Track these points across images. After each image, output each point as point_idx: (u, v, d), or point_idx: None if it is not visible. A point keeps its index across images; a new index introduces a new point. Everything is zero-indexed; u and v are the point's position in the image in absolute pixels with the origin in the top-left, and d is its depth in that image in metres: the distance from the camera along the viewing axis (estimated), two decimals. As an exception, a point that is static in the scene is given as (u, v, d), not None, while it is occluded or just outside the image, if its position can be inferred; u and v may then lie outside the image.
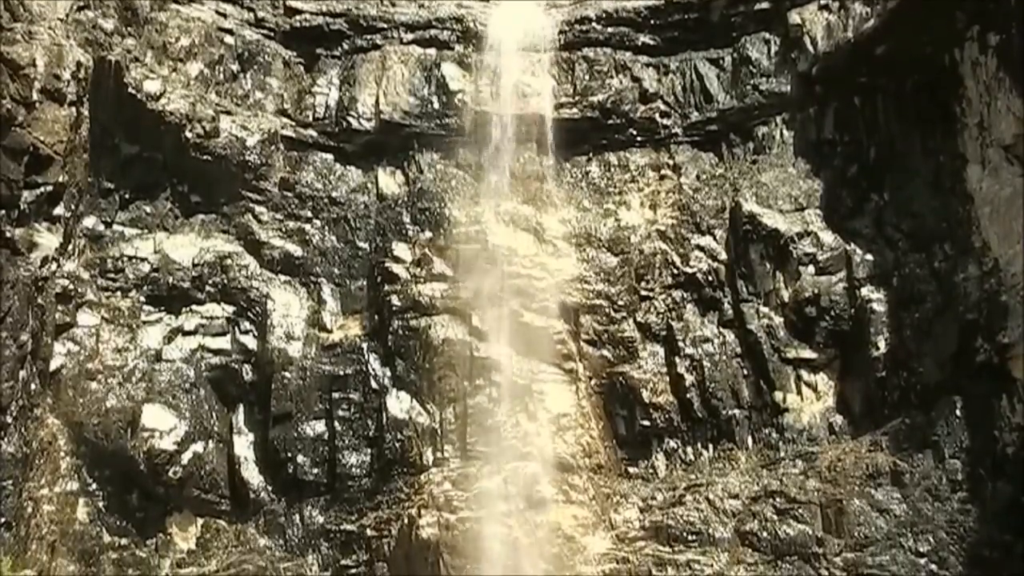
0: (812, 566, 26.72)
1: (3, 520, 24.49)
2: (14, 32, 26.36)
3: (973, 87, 27.17)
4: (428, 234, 30.65)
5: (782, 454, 28.31)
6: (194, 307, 29.49)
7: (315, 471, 29.15)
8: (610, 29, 32.02)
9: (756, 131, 30.88)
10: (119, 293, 28.66)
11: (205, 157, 29.80)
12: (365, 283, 30.61)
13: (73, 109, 27.06)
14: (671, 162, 31.35)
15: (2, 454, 24.70)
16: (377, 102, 31.46)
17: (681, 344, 29.46)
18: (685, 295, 29.90)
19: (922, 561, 26.08)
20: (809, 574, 26.66)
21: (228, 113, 30.32)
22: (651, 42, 31.90)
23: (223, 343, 29.62)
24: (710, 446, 28.99)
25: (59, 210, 26.89)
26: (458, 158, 31.46)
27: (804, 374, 28.80)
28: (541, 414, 29.22)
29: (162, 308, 29.17)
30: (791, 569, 26.84)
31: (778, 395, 28.74)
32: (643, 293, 30.03)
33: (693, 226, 30.31)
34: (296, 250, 30.54)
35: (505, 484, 28.22)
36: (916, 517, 26.35)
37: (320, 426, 29.39)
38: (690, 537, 27.63)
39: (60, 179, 26.70)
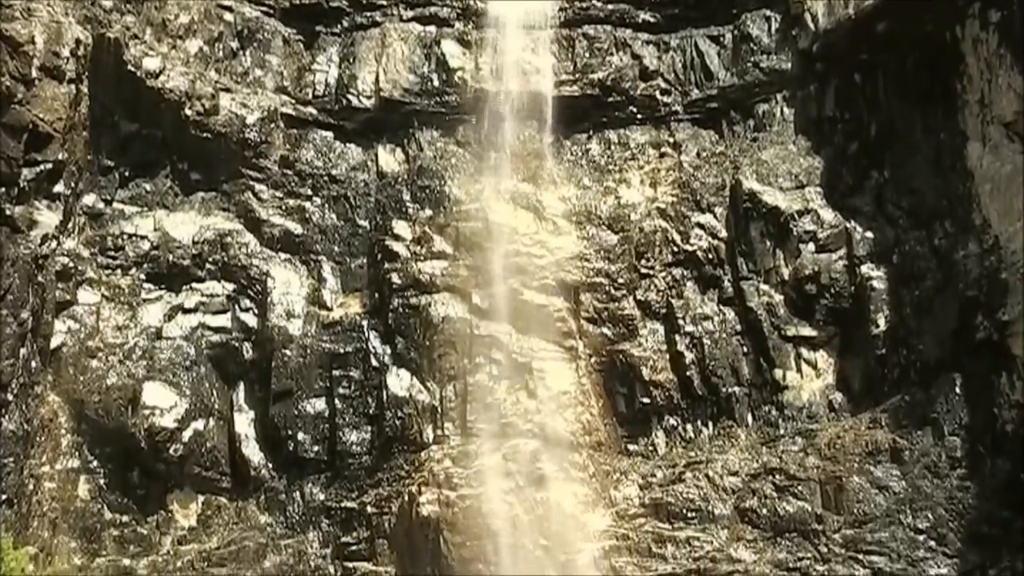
0: (811, 543, 26.82)
1: (4, 497, 24.56)
2: (13, 9, 26.30)
3: (974, 64, 27.12)
4: (428, 212, 30.64)
5: (782, 431, 28.39)
6: (194, 285, 29.52)
7: (315, 448, 29.22)
8: (610, 6, 31.93)
9: (756, 109, 30.86)
10: (119, 271, 28.70)
11: (205, 135, 29.76)
12: (365, 261, 30.62)
13: (72, 86, 27.03)
14: (671, 140, 31.33)
15: (3, 432, 24.75)
16: (377, 80, 31.40)
17: (681, 322, 29.48)
18: (685, 273, 29.91)
19: (921, 538, 26.19)
20: (808, 551, 26.77)
21: (227, 91, 30.27)
22: (651, 19, 31.84)
23: (223, 321, 29.65)
24: (710, 423, 29.05)
25: (59, 188, 26.90)
26: (458, 136, 31.44)
27: (804, 352, 28.84)
28: (541, 392, 29.26)
29: (162, 286, 29.21)
30: (790, 546, 26.94)
31: (778, 373, 28.81)
32: (643, 271, 30.02)
33: (693, 204, 30.29)
34: (296, 228, 30.53)
35: (505, 461, 28.32)
36: (915, 494, 26.45)
37: (320, 404, 29.45)
38: (690, 514, 27.72)
39: (60, 157, 26.70)
